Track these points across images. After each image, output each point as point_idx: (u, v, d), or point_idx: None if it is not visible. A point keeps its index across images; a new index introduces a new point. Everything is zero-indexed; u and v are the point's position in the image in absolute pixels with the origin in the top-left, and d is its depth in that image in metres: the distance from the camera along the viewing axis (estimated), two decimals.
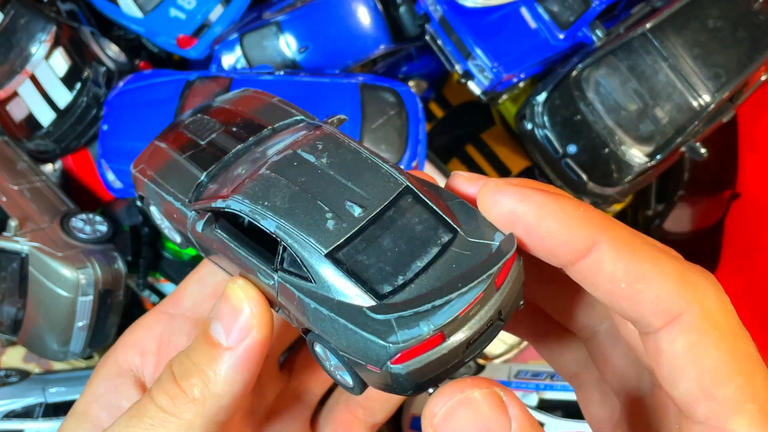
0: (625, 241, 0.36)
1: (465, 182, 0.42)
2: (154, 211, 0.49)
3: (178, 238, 0.50)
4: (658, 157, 1.00)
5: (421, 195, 0.39)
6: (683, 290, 0.35)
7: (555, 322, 0.49)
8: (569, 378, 0.50)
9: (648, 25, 1.00)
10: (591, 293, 0.37)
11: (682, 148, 1.02)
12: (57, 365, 1.10)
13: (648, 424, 0.43)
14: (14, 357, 1.11)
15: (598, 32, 1.04)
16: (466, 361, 0.37)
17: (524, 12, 1.06)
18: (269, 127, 0.47)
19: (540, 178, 1.10)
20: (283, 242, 0.38)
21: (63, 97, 1.06)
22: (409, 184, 0.39)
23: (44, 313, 0.96)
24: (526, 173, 1.16)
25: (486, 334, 0.37)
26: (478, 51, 1.03)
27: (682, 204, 1.18)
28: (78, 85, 1.06)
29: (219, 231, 0.42)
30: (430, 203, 0.39)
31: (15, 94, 1.04)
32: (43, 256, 0.95)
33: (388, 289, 0.36)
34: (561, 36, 1.06)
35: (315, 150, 0.41)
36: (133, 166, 0.49)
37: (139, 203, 0.51)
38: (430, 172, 1.11)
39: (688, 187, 1.16)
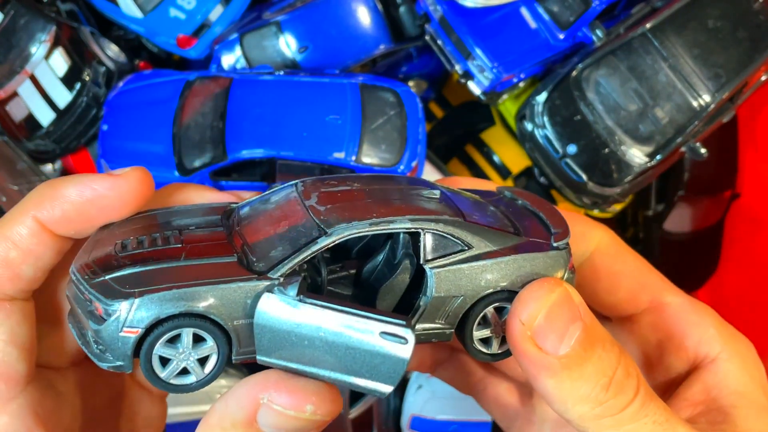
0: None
1: None
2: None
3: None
4: (658, 157, 1.00)
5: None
6: (581, 236, 0.50)
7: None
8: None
9: (648, 25, 1.00)
10: None
11: (682, 148, 1.02)
12: None
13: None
14: None
15: (598, 32, 1.04)
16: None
17: (524, 12, 1.06)
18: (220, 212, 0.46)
19: (540, 178, 1.10)
20: (425, 230, 0.41)
21: (63, 97, 1.05)
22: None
23: None
24: (526, 173, 1.16)
25: None
26: (478, 51, 1.03)
27: (682, 204, 1.18)
28: (78, 85, 1.06)
29: (315, 302, 0.39)
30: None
31: (15, 94, 1.04)
32: None
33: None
34: (561, 36, 1.06)
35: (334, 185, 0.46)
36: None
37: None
38: (429, 171, 1.11)
39: (688, 187, 1.16)
